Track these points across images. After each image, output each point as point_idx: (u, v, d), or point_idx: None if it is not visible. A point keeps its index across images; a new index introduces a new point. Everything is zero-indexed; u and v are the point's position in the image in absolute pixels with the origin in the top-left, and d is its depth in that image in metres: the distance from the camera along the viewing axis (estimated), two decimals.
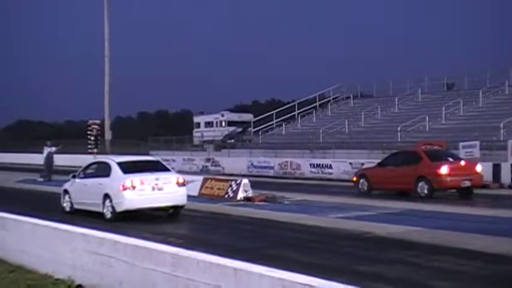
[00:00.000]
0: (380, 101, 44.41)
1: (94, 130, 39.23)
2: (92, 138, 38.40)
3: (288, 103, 53.19)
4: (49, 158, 31.47)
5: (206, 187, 22.36)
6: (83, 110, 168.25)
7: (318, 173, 32.73)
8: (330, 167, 32.13)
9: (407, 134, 35.12)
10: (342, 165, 31.39)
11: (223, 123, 53.61)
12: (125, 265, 7.75)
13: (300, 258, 11.11)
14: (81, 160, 42.55)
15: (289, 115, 47.95)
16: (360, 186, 23.01)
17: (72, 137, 66.34)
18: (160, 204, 17.02)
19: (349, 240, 13.08)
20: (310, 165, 33.46)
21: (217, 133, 51.89)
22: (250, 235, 14.55)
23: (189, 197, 21.24)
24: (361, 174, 23.68)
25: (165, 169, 17.90)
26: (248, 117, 53.03)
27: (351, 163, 30.90)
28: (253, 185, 21.64)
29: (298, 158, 35.01)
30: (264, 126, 47.26)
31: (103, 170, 17.58)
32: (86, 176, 18.50)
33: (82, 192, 18.17)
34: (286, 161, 35.02)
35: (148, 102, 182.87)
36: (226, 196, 21.03)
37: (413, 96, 43.50)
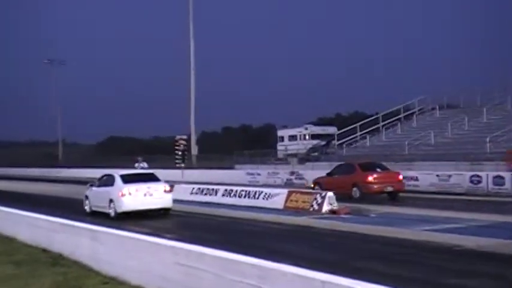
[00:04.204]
0: (467, 111, 43.13)
1: (181, 145, 40.08)
2: (179, 153, 39.20)
3: (372, 115, 52.53)
4: None
5: (291, 200, 22.35)
6: (170, 126, 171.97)
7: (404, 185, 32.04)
8: (416, 179, 31.43)
9: (496, 145, 33.90)
10: (428, 177, 30.66)
11: (307, 137, 53.41)
12: (212, 277, 7.82)
13: (387, 270, 10.92)
14: (170, 175, 43.68)
15: (373, 127, 47.37)
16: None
17: (159, 152, 67.90)
18: (151, 207, 21.68)
19: (436, 253, 12.75)
20: None
21: (301, 146, 51.77)
22: (335, 248, 14.43)
23: (274, 210, 21.48)
24: (317, 182, 28.05)
25: (156, 180, 22.57)
26: (332, 130, 52.62)
27: (437, 175, 30.16)
28: (338, 198, 21.46)
29: None
30: (347, 138, 46.84)
31: (110, 181, 22.47)
32: (99, 185, 23.29)
33: (96, 197, 23.11)
34: None
35: (233, 117, 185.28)
36: (311, 209, 20.94)
37: (502, 105, 42.00)
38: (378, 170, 26.72)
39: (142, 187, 21.57)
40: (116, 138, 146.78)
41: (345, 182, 25.65)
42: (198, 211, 23.79)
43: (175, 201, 27.26)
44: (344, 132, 47.96)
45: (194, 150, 56.54)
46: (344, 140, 46.84)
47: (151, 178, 22.67)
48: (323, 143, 49.99)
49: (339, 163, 30.78)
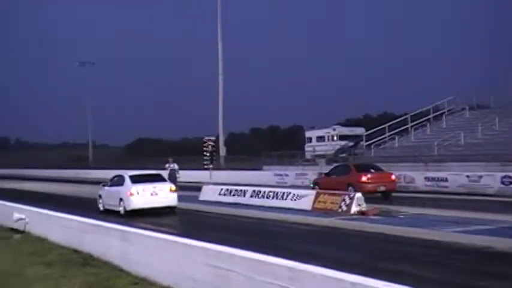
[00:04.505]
0: (498, 111, 42.60)
1: (209, 146, 40.07)
2: (208, 154, 39.17)
3: (400, 116, 52.13)
4: (172, 174, 32.19)
5: (319, 201, 22.31)
6: (198, 127, 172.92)
7: (433, 186, 31.81)
8: (446, 180, 31.19)
9: None
10: (458, 178, 30.39)
11: (335, 138, 53.23)
12: (242, 278, 7.87)
13: (415, 272, 10.87)
14: (198, 176, 43.90)
15: (401, 128, 47.03)
16: None
17: (187, 153, 68.17)
18: (157, 205, 23.36)
19: (466, 255, 12.65)
20: (425, 178, 32.64)
21: (329, 147, 51.60)
22: (363, 249, 14.40)
23: (302, 211, 21.46)
24: (316, 182, 29.96)
25: (162, 180, 24.42)
26: (360, 131, 52.36)
27: (467, 176, 29.86)
28: (367, 199, 21.39)
29: (412, 171, 34.22)
30: (376, 139, 46.59)
31: (120, 181, 24.28)
32: (111, 185, 25.10)
33: (108, 197, 24.98)
34: (400, 174, 34.30)
35: (261, 118, 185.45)
36: (340, 210, 20.89)
37: None
38: (372, 170, 28.36)
39: (149, 187, 23.35)
40: (144, 140, 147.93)
41: (341, 182, 26.98)
42: (226, 212, 23.88)
43: (203, 202, 27.52)
44: (372, 133, 47.71)
45: (222, 151, 56.74)
46: (372, 140, 46.60)
47: (158, 178, 24.49)
48: (351, 143, 49.77)
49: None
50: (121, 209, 23.44)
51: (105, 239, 12.85)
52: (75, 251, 13.82)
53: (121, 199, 23.50)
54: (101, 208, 25.41)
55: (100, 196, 25.86)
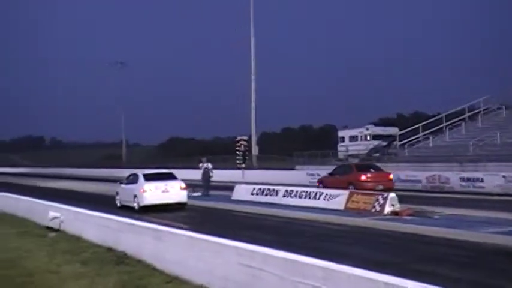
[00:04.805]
0: None
1: (242, 146, 40.17)
2: (240, 153, 39.30)
3: (433, 116, 51.56)
4: (205, 174, 32.06)
5: (352, 201, 22.20)
6: (230, 126, 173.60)
7: (469, 186, 31.41)
8: (482, 180, 30.77)
9: None
10: (494, 179, 29.95)
11: (368, 137, 52.89)
12: (275, 278, 7.87)
13: (450, 273, 10.75)
14: (231, 176, 44.05)
15: (436, 128, 46.53)
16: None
17: (219, 152, 68.41)
18: (168, 201, 25.25)
19: (503, 256, 12.47)
20: (460, 178, 32.25)
21: (362, 147, 51.31)
22: (396, 249, 14.28)
23: (335, 211, 21.39)
24: (321, 180, 32.05)
25: (174, 178, 26.20)
26: (393, 130, 51.97)
27: (504, 176, 29.42)
28: (401, 199, 21.20)
29: (447, 171, 33.84)
30: (410, 139, 46.16)
31: (134, 179, 26.41)
32: (127, 183, 27.11)
33: (124, 194, 27.01)
34: (435, 175, 34.00)
35: (293, 117, 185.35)
36: (373, 210, 20.76)
37: None
38: (372, 170, 30.53)
39: (160, 185, 25.44)
40: (177, 139, 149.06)
41: (343, 181, 28.67)
42: (258, 211, 23.91)
43: (236, 201, 27.61)
44: (406, 132, 47.28)
45: (255, 150, 56.81)
46: (406, 140, 46.19)
47: (169, 177, 26.46)
48: (384, 143, 49.42)
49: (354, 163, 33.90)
50: (135, 204, 25.49)
51: (139, 238, 12.96)
52: (110, 249, 13.96)
53: (135, 196, 25.56)
54: (118, 204, 27.34)
55: (117, 193, 27.95)
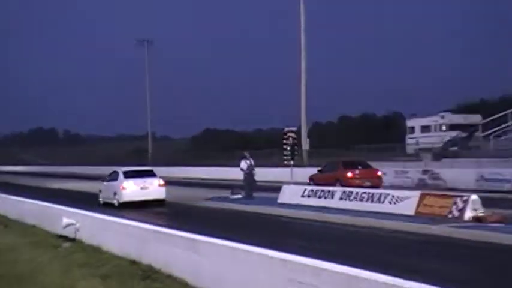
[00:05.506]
0: None
1: (290, 139, 39.91)
2: (288, 148, 39.00)
3: None
4: (250, 174, 31.71)
5: (424, 205, 21.94)
6: (274, 116, 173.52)
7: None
8: None
9: None
10: None
11: (444, 127, 52.07)
12: None
13: None
14: (277, 174, 44.01)
15: None
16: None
17: (261, 147, 68.40)
18: (147, 198, 30.26)
19: None
20: None
21: (437, 139, 50.65)
22: (483, 265, 14.07)
23: (403, 216, 21.20)
24: (311, 178, 36.18)
25: (153, 175, 31.64)
26: (475, 118, 51.07)
27: None
28: (485, 203, 20.86)
29: None
30: (496, 129, 45.39)
31: (115, 176, 31.74)
32: (108, 180, 32.51)
33: (105, 191, 32.50)
34: None
35: (351, 105, 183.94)
36: (450, 216, 20.49)
37: None
38: (359, 167, 34.73)
39: (139, 181, 30.59)
40: (212, 131, 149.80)
41: (330, 178, 32.85)
42: (310, 217, 23.87)
43: (283, 205, 27.59)
44: (491, 121, 46.50)
45: (305, 144, 56.60)
46: (491, 130, 45.43)
47: (149, 174, 31.87)
48: (464, 134, 48.64)
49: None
50: (115, 201, 30.65)
51: (168, 248, 13.01)
52: (134, 262, 14.07)
53: (115, 193, 30.85)
54: (101, 202, 32.53)
55: (100, 191, 33.28)
